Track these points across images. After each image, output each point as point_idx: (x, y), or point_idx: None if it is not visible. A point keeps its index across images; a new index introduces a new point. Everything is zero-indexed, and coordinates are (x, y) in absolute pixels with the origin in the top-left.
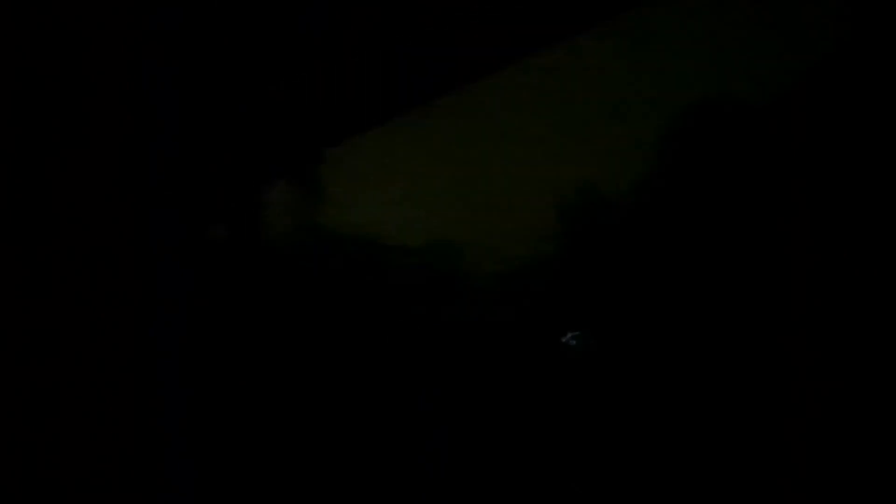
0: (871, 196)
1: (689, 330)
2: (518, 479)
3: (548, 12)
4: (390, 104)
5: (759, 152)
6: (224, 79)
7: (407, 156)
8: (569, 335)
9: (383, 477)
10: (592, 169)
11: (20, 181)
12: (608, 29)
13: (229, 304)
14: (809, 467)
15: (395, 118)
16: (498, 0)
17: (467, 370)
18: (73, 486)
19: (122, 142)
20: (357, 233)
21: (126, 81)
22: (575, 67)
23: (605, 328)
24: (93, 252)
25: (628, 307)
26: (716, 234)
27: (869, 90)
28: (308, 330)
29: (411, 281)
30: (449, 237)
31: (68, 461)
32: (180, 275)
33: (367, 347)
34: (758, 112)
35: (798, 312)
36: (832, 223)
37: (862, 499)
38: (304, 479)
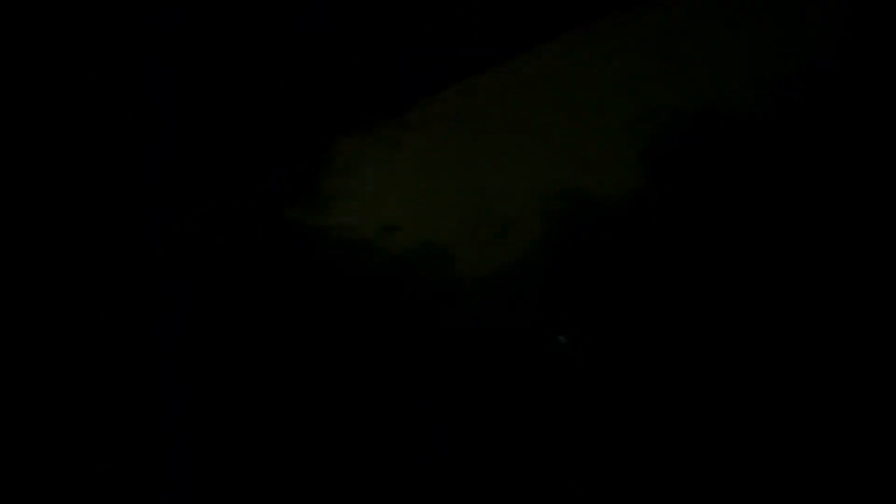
0: (870, 199)
1: (683, 332)
2: (514, 481)
3: (545, 12)
4: (391, 104)
5: (751, 156)
6: (224, 79)
7: (397, 159)
8: (561, 339)
9: (383, 477)
10: (581, 172)
11: (20, 181)
12: (599, 30)
13: (228, 305)
14: (810, 467)
15: (391, 119)
16: (497, 0)
17: (459, 373)
18: (73, 486)
19: (122, 142)
20: (348, 236)
21: (126, 81)
22: (564, 71)
23: (598, 331)
24: (93, 252)
25: (620, 310)
26: (708, 236)
27: (867, 94)
28: (304, 330)
29: (401, 284)
30: (438, 241)
31: (68, 461)
32: (180, 275)
33: (359, 349)
34: (750, 116)
35: (796, 314)
36: (828, 229)
37: (862, 499)
38: (304, 479)
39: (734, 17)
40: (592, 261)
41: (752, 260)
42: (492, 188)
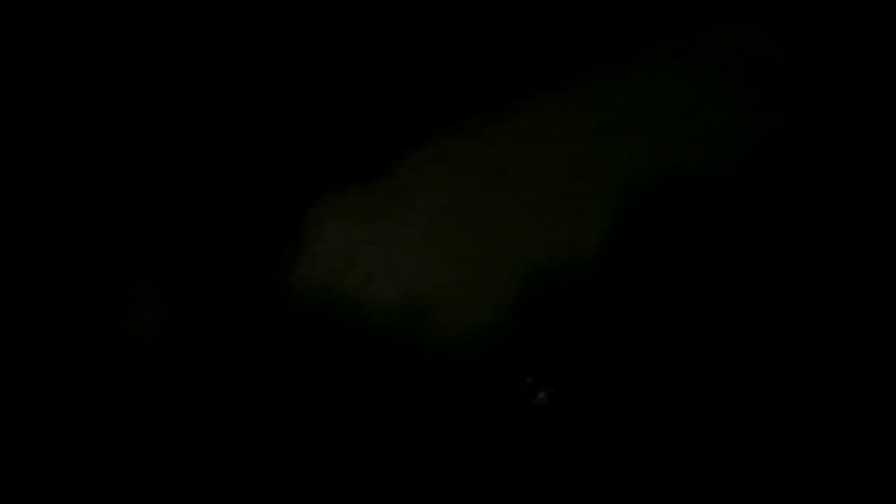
0: (832, 263)
1: (651, 395)
2: None
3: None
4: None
5: (717, 220)
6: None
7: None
8: (540, 394)
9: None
10: (552, 239)
11: (20, 181)
12: (571, 96)
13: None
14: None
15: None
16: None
17: (434, 431)
18: (75, 486)
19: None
20: (325, 292)
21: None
22: (534, 138)
23: (570, 389)
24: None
25: (591, 372)
26: (675, 300)
27: (824, 157)
28: (303, 333)
29: (375, 342)
30: (413, 300)
31: (70, 461)
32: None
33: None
34: (717, 181)
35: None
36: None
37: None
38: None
39: (699, 84)
40: (562, 326)
41: (721, 323)
42: (467, 245)
